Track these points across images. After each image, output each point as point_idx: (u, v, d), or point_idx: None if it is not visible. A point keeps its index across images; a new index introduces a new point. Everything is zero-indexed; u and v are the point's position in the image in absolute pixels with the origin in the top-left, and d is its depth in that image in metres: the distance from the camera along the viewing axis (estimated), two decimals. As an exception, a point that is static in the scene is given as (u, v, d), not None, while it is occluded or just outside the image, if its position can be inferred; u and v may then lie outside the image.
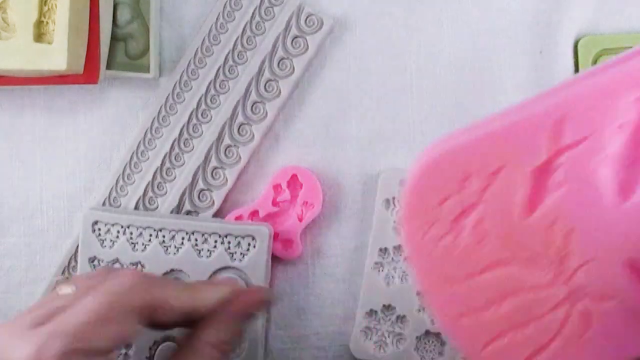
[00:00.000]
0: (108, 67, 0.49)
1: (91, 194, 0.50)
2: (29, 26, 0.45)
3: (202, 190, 0.49)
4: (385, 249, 0.49)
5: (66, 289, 0.38)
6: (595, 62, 0.48)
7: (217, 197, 0.49)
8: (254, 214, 0.49)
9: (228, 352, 0.41)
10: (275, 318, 0.51)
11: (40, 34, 0.46)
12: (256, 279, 0.48)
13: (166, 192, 0.49)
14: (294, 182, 0.49)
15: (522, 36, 0.49)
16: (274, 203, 0.49)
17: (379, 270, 0.49)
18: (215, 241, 0.48)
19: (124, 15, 0.49)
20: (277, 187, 0.49)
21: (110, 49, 0.49)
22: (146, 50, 0.49)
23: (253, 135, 0.49)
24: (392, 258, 0.49)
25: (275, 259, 0.49)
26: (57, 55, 0.45)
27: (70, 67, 0.45)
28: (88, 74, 0.47)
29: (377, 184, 0.49)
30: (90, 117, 0.50)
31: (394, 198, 0.48)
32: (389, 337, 0.49)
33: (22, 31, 0.45)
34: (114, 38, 0.49)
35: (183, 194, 0.49)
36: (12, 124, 0.51)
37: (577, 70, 0.49)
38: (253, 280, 0.48)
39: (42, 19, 0.46)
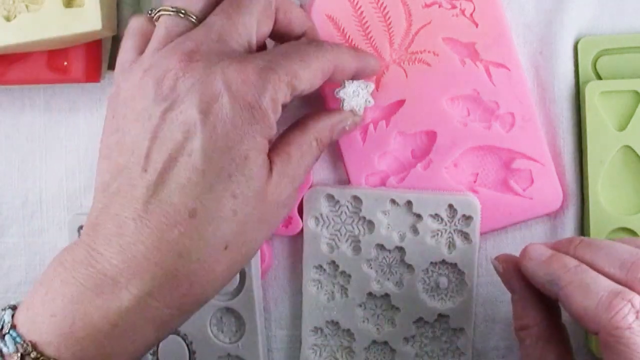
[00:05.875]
0: (109, 66, 0.49)
1: (91, 194, 0.50)
2: None
3: (202, 189, 0.49)
4: (320, 265, 0.49)
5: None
6: (595, 62, 0.48)
7: (218, 196, 0.49)
8: None
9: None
10: (275, 318, 0.51)
11: (69, 0, 0.45)
12: None
13: (167, 192, 0.49)
14: None
15: (522, 36, 0.49)
16: None
17: (317, 288, 0.49)
18: None
19: (126, 15, 0.49)
20: None
21: (112, 49, 0.49)
22: (147, 50, 0.49)
23: (254, 135, 0.49)
24: (329, 274, 0.49)
25: (279, 244, 0.50)
26: (91, 16, 0.44)
27: (105, 26, 0.45)
28: (89, 73, 0.47)
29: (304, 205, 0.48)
30: (90, 117, 0.50)
31: (321, 214, 0.48)
32: (338, 351, 0.49)
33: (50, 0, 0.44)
34: (116, 37, 0.49)
35: (184, 193, 0.49)
36: (12, 124, 0.50)
37: (577, 70, 0.49)
38: None
39: (69, -16, 0.45)
